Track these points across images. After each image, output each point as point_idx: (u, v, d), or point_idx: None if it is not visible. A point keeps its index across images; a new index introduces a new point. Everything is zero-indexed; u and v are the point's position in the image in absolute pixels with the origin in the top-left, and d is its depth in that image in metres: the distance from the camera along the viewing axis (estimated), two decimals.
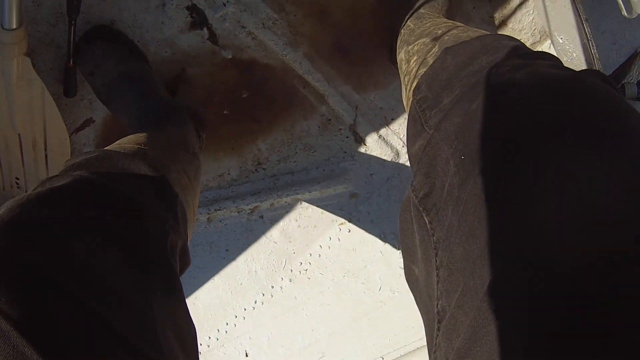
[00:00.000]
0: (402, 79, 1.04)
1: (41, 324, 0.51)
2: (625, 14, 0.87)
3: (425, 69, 0.87)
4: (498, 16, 1.28)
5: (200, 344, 1.42)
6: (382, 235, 1.45)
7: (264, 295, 1.45)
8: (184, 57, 1.21)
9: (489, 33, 0.87)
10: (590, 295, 0.43)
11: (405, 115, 1.35)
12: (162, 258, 0.73)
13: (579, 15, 0.99)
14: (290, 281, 1.45)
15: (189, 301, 1.41)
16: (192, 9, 1.16)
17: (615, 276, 0.43)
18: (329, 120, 1.34)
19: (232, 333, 1.46)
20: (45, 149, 1.18)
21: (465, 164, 0.58)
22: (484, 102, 0.61)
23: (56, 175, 0.69)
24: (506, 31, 1.29)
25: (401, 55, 1.07)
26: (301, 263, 1.45)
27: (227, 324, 1.45)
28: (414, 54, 0.99)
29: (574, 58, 1.09)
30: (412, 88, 0.86)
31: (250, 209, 1.40)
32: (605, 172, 0.48)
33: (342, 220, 1.44)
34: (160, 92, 1.13)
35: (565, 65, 0.66)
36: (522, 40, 1.01)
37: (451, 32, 0.92)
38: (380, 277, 1.46)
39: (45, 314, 0.52)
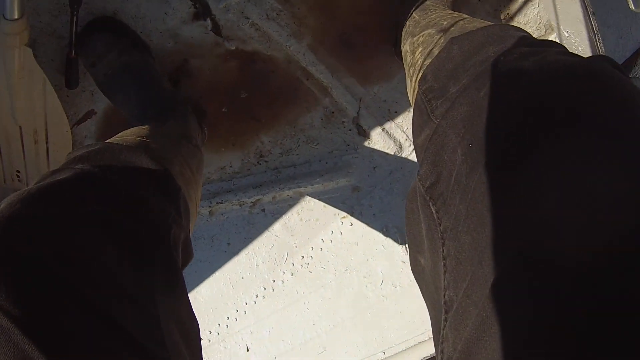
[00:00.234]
0: (406, 71, 1.04)
1: (42, 321, 0.50)
2: (633, 7, 0.87)
3: (431, 60, 0.86)
4: (503, 9, 1.28)
5: (201, 339, 1.42)
6: (384, 229, 1.45)
7: (265, 289, 1.45)
8: (187, 49, 1.21)
9: (495, 23, 0.86)
10: (592, 290, 0.43)
11: (409, 109, 1.34)
12: (165, 252, 0.73)
13: (586, 9, 0.98)
14: (292, 275, 1.45)
15: (190, 295, 1.40)
16: None
17: (619, 272, 0.43)
18: (332, 112, 1.34)
19: (233, 327, 1.45)
20: (47, 142, 1.17)
21: (473, 152, 0.57)
22: (492, 90, 0.61)
23: (58, 169, 0.69)
24: (511, 24, 1.28)
25: (406, 47, 1.06)
26: (303, 257, 1.45)
27: (228, 318, 1.45)
28: (419, 45, 0.98)
29: (579, 52, 1.08)
30: (418, 79, 0.85)
31: (252, 202, 1.39)
32: (615, 165, 0.47)
33: (344, 213, 1.44)
34: (162, 84, 1.12)
35: None
36: None
37: (457, 23, 0.92)
38: (382, 271, 1.46)
39: (47, 310, 0.51)
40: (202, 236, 1.41)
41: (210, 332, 1.44)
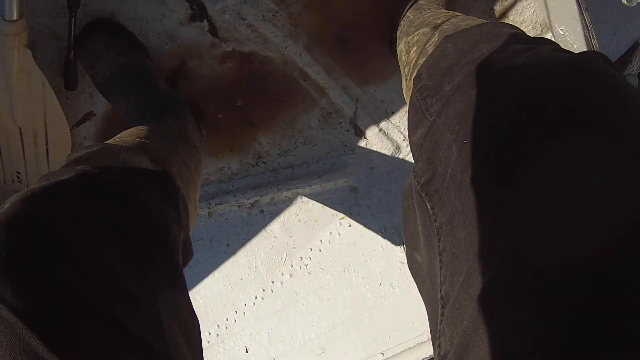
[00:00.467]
0: (402, 70, 1.04)
1: (47, 318, 0.51)
2: (625, 1, 0.87)
3: (425, 58, 0.86)
4: (499, 8, 1.28)
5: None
6: (382, 230, 1.45)
7: (264, 290, 1.45)
8: (184, 50, 1.21)
9: (488, 21, 0.87)
10: (591, 288, 0.42)
11: (406, 109, 1.35)
12: (166, 252, 0.73)
13: (579, 5, 0.99)
14: (291, 276, 1.45)
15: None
16: (192, 1, 1.16)
17: (612, 272, 0.42)
18: (330, 113, 1.34)
19: (232, 328, 1.46)
20: (47, 143, 1.18)
21: (468, 149, 0.58)
22: (486, 87, 0.61)
23: (58, 170, 0.69)
24: (506, 22, 1.29)
25: (401, 47, 1.07)
26: (301, 258, 1.45)
27: (227, 319, 1.45)
28: (414, 44, 0.99)
29: (574, 49, 1.08)
30: (413, 77, 0.86)
31: (250, 203, 1.40)
32: (609, 163, 0.47)
33: (343, 214, 1.44)
34: (160, 85, 1.13)
35: None
36: None
37: (450, 21, 0.92)
38: (380, 271, 1.46)
39: (52, 308, 0.52)
40: (201, 237, 1.42)
41: (210, 333, 1.45)
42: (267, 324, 1.46)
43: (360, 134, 1.38)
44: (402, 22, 1.11)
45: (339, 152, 1.40)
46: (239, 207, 1.40)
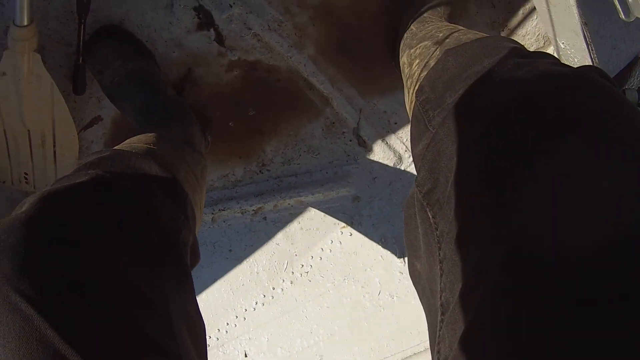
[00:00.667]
0: (404, 82, 1.05)
1: (61, 314, 0.52)
2: (623, 16, 0.87)
3: (427, 71, 0.87)
4: (502, 21, 1.29)
5: None
6: (383, 240, 1.46)
7: (264, 296, 1.46)
8: (191, 58, 1.23)
9: (489, 35, 0.88)
10: (585, 293, 0.42)
11: (408, 120, 1.36)
12: (176, 257, 0.74)
13: (580, 19, 0.99)
14: (291, 283, 1.46)
15: None
16: (199, 9, 1.18)
17: (604, 272, 0.43)
18: (333, 123, 1.36)
19: (232, 333, 1.46)
20: (54, 145, 1.19)
21: (468, 157, 0.59)
22: (486, 98, 0.62)
23: (72, 174, 0.70)
24: (510, 36, 1.30)
25: (404, 59, 1.08)
26: (302, 265, 1.46)
27: (228, 324, 1.46)
28: (416, 57, 1.00)
29: (575, 63, 1.09)
30: (415, 90, 0.87)
31: (254, 210, 1.41)
32: (608, 164, 0.48)
33: (344, 223, 1.45)
34: (167, 92, 1.14)
35: None
36: (525, 46, 1.02)
37: (452, 35, 0.93)
38: (380, 281, 1.47)
39: (64, 307, 0.53)
40: (204, 242, 1.43)
41: (210, 337, 1.45)
42: (267, 329, 1.47)
43: (363, 144, 1.39)
44: (405, 35, 1.12)
45: (342, 162, 1.41)
46: (242, 213, 1.41)
